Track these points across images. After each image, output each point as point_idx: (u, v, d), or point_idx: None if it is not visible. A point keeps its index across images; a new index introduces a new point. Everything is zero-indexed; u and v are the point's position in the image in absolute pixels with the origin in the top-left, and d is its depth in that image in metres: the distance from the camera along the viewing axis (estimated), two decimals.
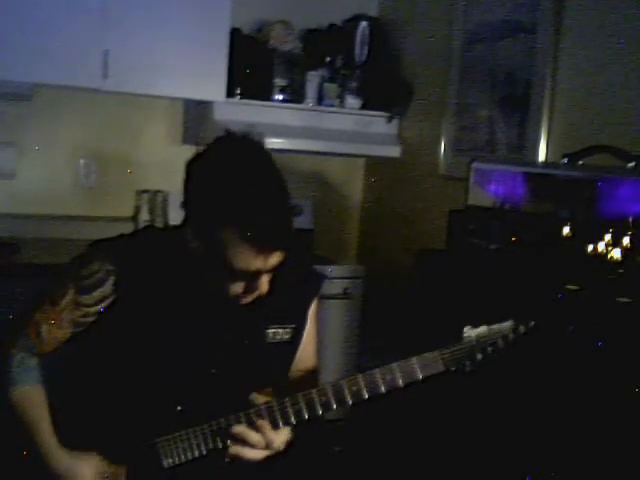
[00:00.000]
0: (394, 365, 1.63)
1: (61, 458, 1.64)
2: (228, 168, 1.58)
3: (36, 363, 1.70)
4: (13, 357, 1.68)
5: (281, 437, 1.65)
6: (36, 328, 1.69)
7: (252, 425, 1.62)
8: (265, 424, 1.61)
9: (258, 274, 1.60)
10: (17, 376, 1.67)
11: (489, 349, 1.64)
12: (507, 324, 1.67)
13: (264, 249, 1.56)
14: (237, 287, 1.63)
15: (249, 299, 1.66)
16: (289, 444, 1.68)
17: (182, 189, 1.64)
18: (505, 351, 1.65)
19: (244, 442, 1.61)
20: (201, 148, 1.65)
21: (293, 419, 1.63)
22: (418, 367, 1.63)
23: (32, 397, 1.67)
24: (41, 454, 1.64)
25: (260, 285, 1.63)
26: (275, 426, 1.62)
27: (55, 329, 1.69)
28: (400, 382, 1.63)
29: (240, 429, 1.61)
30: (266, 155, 1.63)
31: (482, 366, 1.64)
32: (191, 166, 1.62)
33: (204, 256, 1.61)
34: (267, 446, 1.62)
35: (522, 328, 1.66)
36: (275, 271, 1.63)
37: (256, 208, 1.54)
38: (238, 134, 1.65)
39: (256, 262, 1.57)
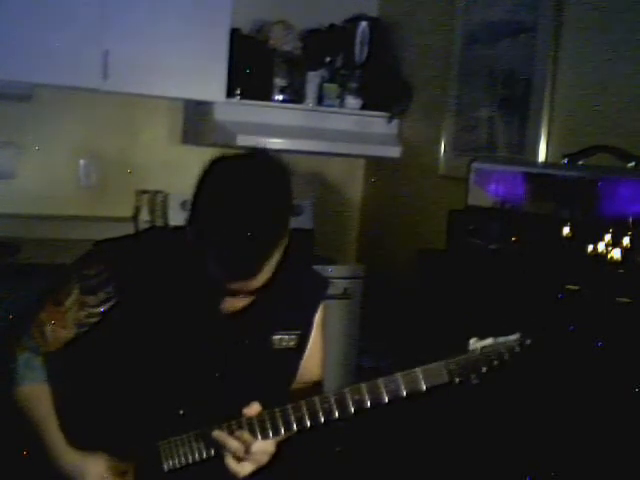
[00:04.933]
0: (398, 375, 1.62)
1: (68, 455, 1.64)
2: (230, 184, 1.54)
3: (41, 362, 1.70)
4: (18, 356, 1.68)
5: (265, 447, 1.63)
6: (40, 328, 1.69)
7: (233, 434, 1.60)
8: (245, 433, 1.60)
9: (225, 292, 1.58)
10: (23, 374, 1.67)
11: (495, 362, 1.62)
12: (514, 337, 1.65)
13: (224, 274, 1.54)
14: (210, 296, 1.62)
15: (223, 310, 1.64)
16: (275, 458, 1.66)
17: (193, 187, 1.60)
18: (511, 364, 1.63)
19: (225, 449, 1.60)
20: (232, 152, 1.61)
21: (282, 430, 1.61)
22: (422, 377, 1.61)
23: (39, 395, 1.68)
24: (48, 451, 1.65)
25: (224, 305, 1.62)
26: (265, 436, 1.61)
27: (59, 329, 1.69)
28: (403, 392, 1.61)
29: (220, 435, 1.60)
30: (278, 181, 1.58)
31: (487, 379, 1.63)
32: (210, 167, 1.58)
33: (194, 256, 1.60)
34: (246, 453, 1.60)
35: (528, 341, 1.64)
36: (247, 295, 1.60)
37: (234, 235, 1.50)
38: (263, 151, 1.61)
39: (221, 280, 1.55)
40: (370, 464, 3.03)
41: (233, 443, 1.60)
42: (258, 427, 1.61)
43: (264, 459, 1.65)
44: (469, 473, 2.55)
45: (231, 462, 1.61)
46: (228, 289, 1.57)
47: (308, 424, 1.62)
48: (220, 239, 1.51)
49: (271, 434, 1.62)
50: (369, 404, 1.61)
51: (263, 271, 1.55)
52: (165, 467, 1.64)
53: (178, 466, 1.64)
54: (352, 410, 1.62)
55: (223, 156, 1.59)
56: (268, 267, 1.55)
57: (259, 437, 1.61)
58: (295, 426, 1.62)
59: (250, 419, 1.62)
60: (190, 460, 1.64)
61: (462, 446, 2.57)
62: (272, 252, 1.54)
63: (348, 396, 1.61)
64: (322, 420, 1.62)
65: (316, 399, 1.62)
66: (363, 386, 1.62)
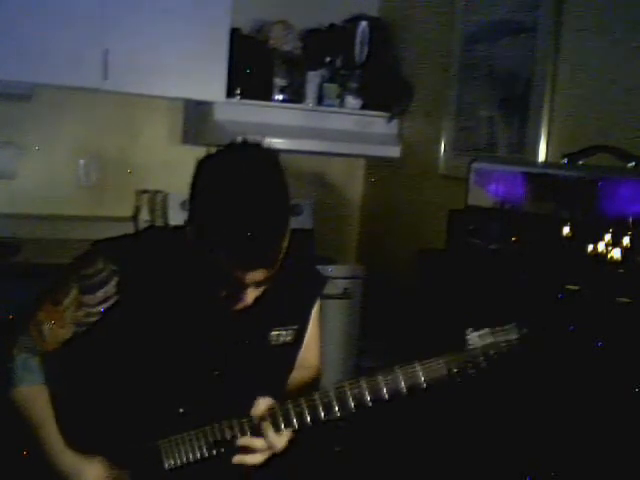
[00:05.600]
0: (397, 370, 1.62)
1: (66, 458, 1.64)
2: (231, 177, 1.55)
3: (39, 363, 1.69)
4: (16, 357, 1.67)
5: (283, 439, 1.65)
6: (38, 327, 1.68)
7: (252, 431, 1.62)
8: (268, 428, 1.61)
9: (241, 285, 1.58)
10: (21, 376, 1.67)
11: (492, 352, 1.62)
12: (509, 326, 1.65)
13: (243, 264, 1.54)
14: (222, 293, 1.62)
15: (237, 307, 1.64)
16: (291, 443, 1.67)
17: (189, 186, 1.61)
18: (508, 356, 1.64)
19: (248, 449, 1.62)
20: (214, 149, 1.63)
21: (295, 422, 1.62)
22: (421, 372, 1.62)
23: (37, 396, 1.67)
24: (46, 453, 1.64)
25: (244, 297, 1.61)
26: (277, 429, 1.63)
27: (57, 328, 1.68)
28: (403, 387, 1.62)
29: (244, 440, 1.62)
30: (274, 170, 1.59)
31: (485, 372, 1.63)
32: (200, 166, 1.60)
33: (197, 257, 1.60)
34: (269, 448, 1.63)
35: (526, 333, 1.65)
36: (261, 286, 1.61)
37: (244, 223, 1.51)
38: (253, 143, 1.62)
39: (236, 273, 1.55)
40: (370, 464, 3.03)
41: (258, 442, 1.62)
42: (280, 418, 1.63)
43: (282, 448, 1.67)
44: (469, 473, 2.55)
45: (247, 457, 1.63)
46: (247, 282, 1.57)
47: (309, 419, 1.62)
48: (233, 231, 1.51)
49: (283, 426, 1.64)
50: (368, 399, 1.62)
51: (280, 256, 1.57)
52: (166, 465, 1.65)
53: (179, 464, 1.65)
54: (352, 405, 1.62)
55: (212, 154, 1.61)
56: (282, 251, 1.58)
57: (283, 427, 1.63)
58: (296, 423, 1.62)
59: (262, 416, 1.62)
60: (191, 458, 1.65)
61: (462, 446, 2.57)
62: (285, 235, 1.57)
63: (347, 391, 1.62)
64: (322, 416, 1.62)
65: (316, 395, 1.63)
66: (362, 381, 1.62)
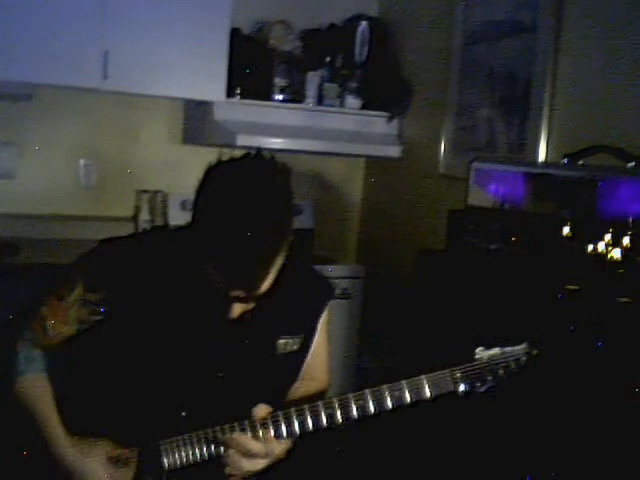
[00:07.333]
0: (403, 382, 1.62)
1: (68, 445, 1.64)
2: (232, 189, 1.53)
3: (41, 354, 1.69)
4: (19, 351, 1.67)
5: (282, 446, 1.64)
6: (41, 323, 1.68)
7: (253, 434, 1.61)
8: (268, 432, 1.61)
9: (225, 298, 1.58)
10: (23, 367, 1.67)
11: (500, 371, 1.63)
12: (521, 347, 1.65)
13: (225, 279, 1.53)
14: (209, 302, 1.62)
15: (227, 317, 1.64)
16: (289, 453, 1.67)
17: (195, 188, 1.58)
18: (517, 373, 1.63)
19: (244, 451, 1.61)
20: (226, 156, 1.58)
21: (297, 429, 1.62)
22: (427, 385, 1.62)
23: (38, 386, 1.67)
24: (47, 442, 1.64)
25: (230, 310, 1.61)
26: (278, 435, 1.62)
27: (61, 325, 1.68)
28: (408, 399, 1.61)
29: (241, 437, 1.61)
30: (280, 189, 1.55)
31: (493, 387, 1.63)
32: (208, 171, 1.57)
33: (195, 259, 1.59)
34: (267, 455, 1.62)
35: (535, 352, 1.64)
36: (246, 302, 1.60)
37: (235, 240, 1.49)
38: (267, 156, 1.58)
39: (220, 285, 1.54)
40: (370, 464, 3.03)
41: (255, 445, 1.60)
42: (282, 425, 1.62)
43: (281, 456, 1.66)
44: (469, 472, 2.55)
45: (244, 461, 1.61)
46: (231, 296, 1.57)
47: (310, 428, 1.62)
48: (223, 249, 1.50)
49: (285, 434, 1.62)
50: (372, 410, 1.61)
51: (266, 279, 1.55)
52: (165, 465, 1.64)
53: (178, 465, 1.64)
54: (355, 416, 1.62)
55: (222, 161, 1.57)
56: (271, 274, 1.55)
57: (284, 435, 1.62)
58: (298, 430, 1.62)
59: (264, 419, 1.62)
60: (191, 459, 1.64)
61: (462, 445, 2.57)
62: (275, 260, 1.54)
63: (352, 402, 1.62)
64: (325, 424, 1.62)
65: (320, 403, 1.63)
66: (367, 392, 1.62)
